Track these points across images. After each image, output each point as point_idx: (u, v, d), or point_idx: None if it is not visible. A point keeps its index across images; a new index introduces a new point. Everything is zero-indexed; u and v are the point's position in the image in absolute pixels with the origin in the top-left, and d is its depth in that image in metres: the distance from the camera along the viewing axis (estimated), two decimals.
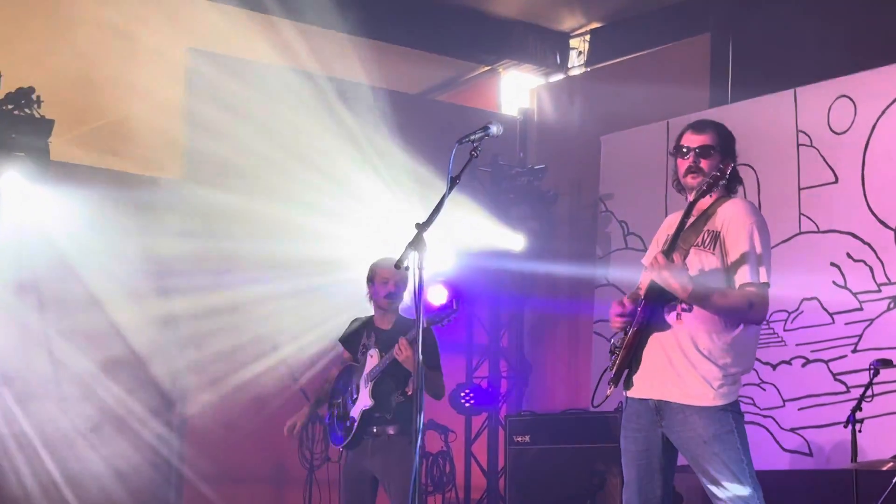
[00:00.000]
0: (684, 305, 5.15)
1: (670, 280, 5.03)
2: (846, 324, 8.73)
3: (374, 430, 7.18)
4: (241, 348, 9.60)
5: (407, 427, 6.98)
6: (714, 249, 5.19)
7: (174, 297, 9.50)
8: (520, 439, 9.28)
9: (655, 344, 5.23)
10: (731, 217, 5.21)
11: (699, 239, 5.20)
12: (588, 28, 11.26)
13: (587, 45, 11.30)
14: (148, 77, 9.37)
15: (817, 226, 8.97)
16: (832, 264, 8.80)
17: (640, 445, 5.31)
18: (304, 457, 9.59)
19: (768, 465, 8.76)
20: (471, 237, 10.02)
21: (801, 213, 9.06)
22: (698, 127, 5.42)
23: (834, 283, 8.76)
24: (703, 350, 5.16)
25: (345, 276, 9.20)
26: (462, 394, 10.35)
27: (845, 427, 7.61)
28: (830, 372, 8.75)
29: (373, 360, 7.26)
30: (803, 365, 8.91)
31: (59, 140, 8.52)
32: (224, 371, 9.60)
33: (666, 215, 5.73)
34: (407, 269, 4.84)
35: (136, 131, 9.29)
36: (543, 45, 11.34)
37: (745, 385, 9.02)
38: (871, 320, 8.59)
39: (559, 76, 11.53)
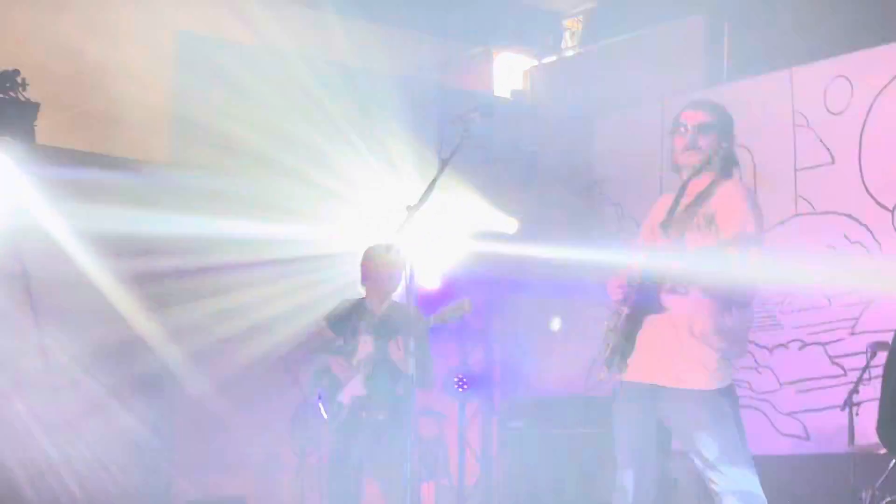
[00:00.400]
0: (679, 288, 5.11)
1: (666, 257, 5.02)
2: (843, 306, 8.69)
3: (364, 416, 7.11)
4: (232, 333, 9.54)
5: (397, 414, 6.92)
6: (709, 231, 5.15)
7: (163, 282, 9.43)
8: (514, 425, 9.23)
9: (650, 327, 5.22)
10: (726, 200, 5.20)
11: (695, 220, 5.17)
12: (581, 8, 11.17)
13: (581, 25, 11.21)
14: (136, 60, 9.28)
15: (814, 207, 8.92)
16: (829, 246, 8.74)
17: (634, 429, 5.30)
18: (296, 444, 9.53)
19: (765, 450, 8.70)
20: (463, 220, 9.96)
21: (797, 195, 9.00)
22: (697, 105, 5.44)
23: (831, 265, 8.69)
24: (697, 333, 5.14)
25: (338, 260, 9.15)
26: (455, 379, 10.29)
27: (842, 410, 7.58)
28: (827, 355, 8.70)
29: (366, 346, 7.18)
30: (800, 348, 8.86)
31: (45, 123, 8.42)
32: (215, 356, 9.53)
33: (660, 196, 5.67)
34: (398, 251, 4.77)
35: (124, 114, 9.21)
36: (536, 26, 11.25)
37: (741, 369, 9.05)
38: (869, 302, 8.54)
39: (552, 57, 11.43)
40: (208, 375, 9.51)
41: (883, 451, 6.90)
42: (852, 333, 8.59)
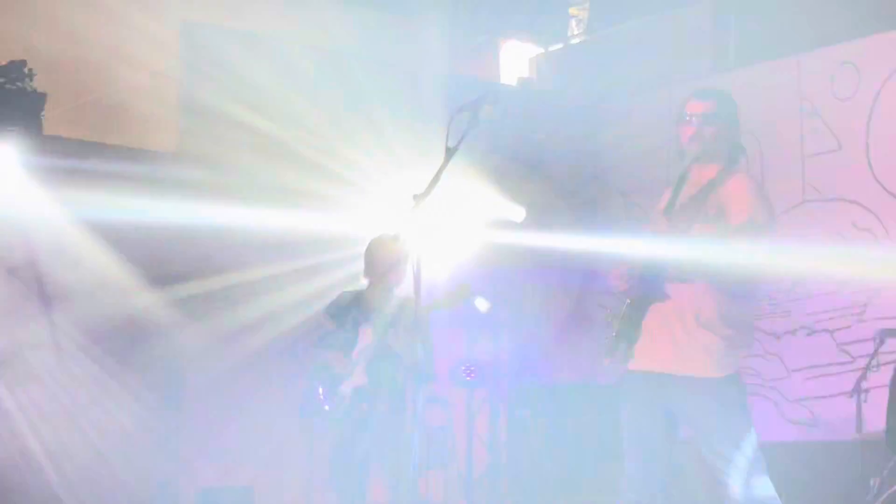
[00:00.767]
0: (685, 275, 5.10)
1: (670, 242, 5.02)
2: (851, 293, 8.67)
3: (366, 407, 7.11)
4: (240, 322, 9.54)
5: (398, 402, 6.92)
6: (719, 221, 5.14)
7: (172, 272, 9.44)
8: (522, 413, 9.23)
9: (656, 315, 5.21)
10: (736, 192, 5.19)
11: (705, 210, 5.16)
12: None
13: (587, 12, 11.18)
14: (143, 50, 9.27)
15: (821, 194, 8.90)
16: (837, 233, 8.72)
17: (640, 418, 5.29)
18: (304, 434, 9.53)
19: (773, 436, 8.70)
20: (470, 209, 9.95)
21: (805, 182, 8.98)
22: (702, 94, 5.42)
23: (839, 252, 8.67)
24: (704, 321, 5.13)
25: (346, 248, 9.14)
26: (463, 368, 10.29)
27: (850, 397, 7.57)
28: (835, 342, 8.69)
29: (366, 336, 7.18)
30: (808, 335, 8.85)
31: (52, 114, 8.42)
32: (223, 346, 9.54)
33: (667, 185, 5.66)
34: (402, 243, 4.76)
35: (131, 104, 9.20)
36: (543, 14, 11.22)
37: (748, 356, 9.02)
38: (877, 290, 8.52)
39: (559, 45, 11.41)
40: (216, 365, 9.52)
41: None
42: (860, 320, 8.58)
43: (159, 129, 9.53)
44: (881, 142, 8.63)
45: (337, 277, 9.15)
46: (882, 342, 7.41)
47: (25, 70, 8.26)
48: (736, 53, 9.78)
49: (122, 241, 8.97)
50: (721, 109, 5.37)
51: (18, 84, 8.21)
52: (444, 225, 9.54)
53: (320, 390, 7.35)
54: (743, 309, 5.22)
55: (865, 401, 7.44)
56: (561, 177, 10.84)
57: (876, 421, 7.70)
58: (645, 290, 5.18)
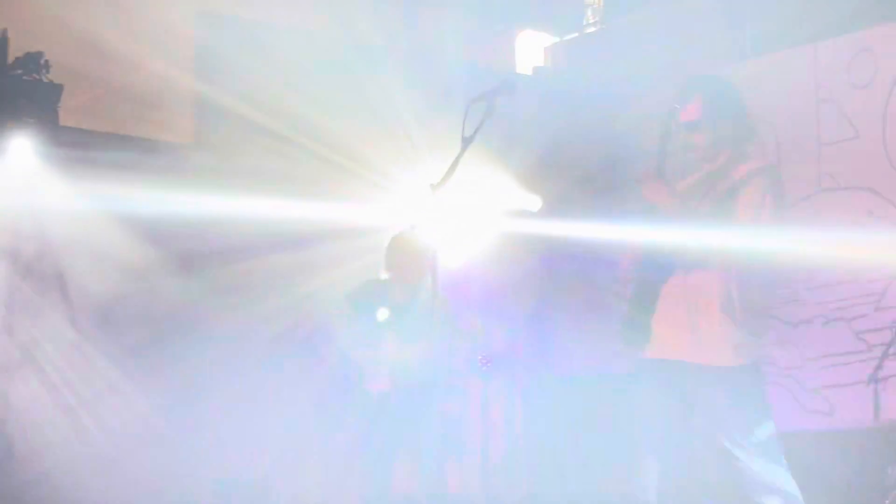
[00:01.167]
0: (701, 261, 5.08)
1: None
2: (868, 281, 8.65)
3: (391, 408, 7.15)
4: (256, 313, 9.56)
5: (424, 405, 6.94)
6: (730, 206, 5.12)
7: (188, 263, 9.46)
8: (538, 402, 9.24)
9: (670, 302, 5.18)
10: (746, 176, 5.13)
11: (716, 194, 5.14)
12: None
13: (602, 1, 11.16)
14: (158, 40, 9.28)
15: (838, 182, 8.87)
16: (853, 221, 8.70)
17: (657, 406, 5.26)
18: (321, 422, 9.55)
19: (789, 426, 8.69)
20: (486, 198, 9.94)
21: (821, 170, 8.96)
22: (682, 98, 5.34)
23: (856, 240, 8.65)
24: (720, 308, 5.08)
25: (362, 240, 9.15)
26: (479, 357, 10.28)
27: (867, 386, 7.55)
28: (852, 330, 8.67)
29: (391, 343, 7.21)
30: (824, 324, 8.83)
31: (68, 105, 8.44)
32: (238, 336, 9.56)
33: (682, 176, 5.66)
34: (423, 236, 4.76)
35: (146, 95, 9.22)
36: (558, 3, 11.21)
37: (764, 345, 9.03)
38: (893, 278, 8.50)
39: (574, 34, 11.39)
40: (232, 356, 9.54)
41: None
42: (877, 309, 8.55)
43: (175, 121, 9.55)
44: None
45: (354, 268, 9.16)
46: None
47: (42, 61, 8.27)
48: (751, 41, 9.75)
49: (139, 233, 9.00)
50: (705, 111, 5.26)
51: (35, 76, 8.23)
52: (460, 214, 9.54)
53: (347, 388, 7.40)
54: (759, 296, 5.18)
55: (883, 389, 7.42)
56: (576, 165, 10.82)
57: (893, 409, 7.70)
58: (657, 274, 5.16)
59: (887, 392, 7.44)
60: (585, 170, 10.92)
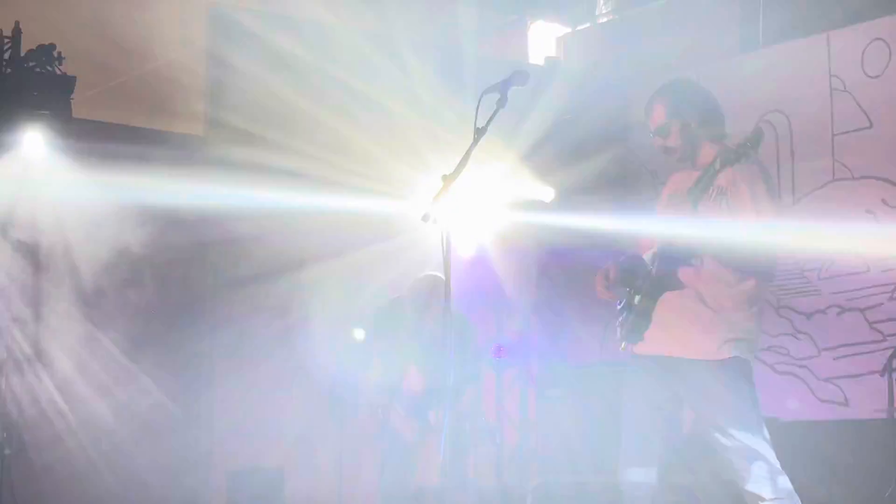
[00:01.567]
0: (693, 260, 5.09)
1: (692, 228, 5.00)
2: (882, 271, 8.62)
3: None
4: (271, 304, 9.57)
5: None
6: (722, 204, 5.13)
7: (203, 254, 9.48)
8: (552, 393, 9.23)
9: (666, 302, 5.19)
10: (737, 175, 5.12)
11: (708, 194, 5.13)
12: None
13: None
14: (171, 32, 9.28)
15: (852, 172, 8.85)
16: (867, 211, 8.67)
17: (645, 402, 5.27)
18: (334, 414, 9.57)
19: (804, 415, 8.69)
20: (500, 189, 9.93)
21: (834, 160, 8.93)
22: (647, 108, 5.37)
23: (869, 230, 8.62)
24: (713, 304, 5.12)
25: (375, 231, 9.15)
26: (493, 348, 10.29)
27: (882, 376, 7.54)
28: (866, 320, 8.64)
29: (415, 382, 7.25)
30: (839, 314, 8.81)
31: (81, 97, 8.45)
32: (255, 327, 9.57)
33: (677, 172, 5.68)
34: (434, 221, 4.74)
35: (159, 87, 9.22)
36: None
37: (779, 335, 9.02)
38: None
39: (586, 24, 11.37)
40: (248, 347, 9.56)
41: None
42: (891, 298, 8.53)
43: (187, 113, 9.55)
44: None
45: (367, 258, 9.17)
46: None
47: (55, 54, 8.28)
48: (764, 31, 9.71)
49: (151, 223, 9.01)
50: (669, 109, 5.29)
51: (48, 68, 8.24)
52: (474, 204, 9.53)
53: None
54: (754, 291, 5.19)
55: None
56: (589, 156, 10.80)
57: None
58: (660, 274, 5.17)
59: None
60: (598, 160, 10.90)
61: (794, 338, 8.96)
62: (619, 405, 5.38)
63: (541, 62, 11.42)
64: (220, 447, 9.68)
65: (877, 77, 8.75)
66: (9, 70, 8.34)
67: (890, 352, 7.48)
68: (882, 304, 8.58)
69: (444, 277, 7.21)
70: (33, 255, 8.79)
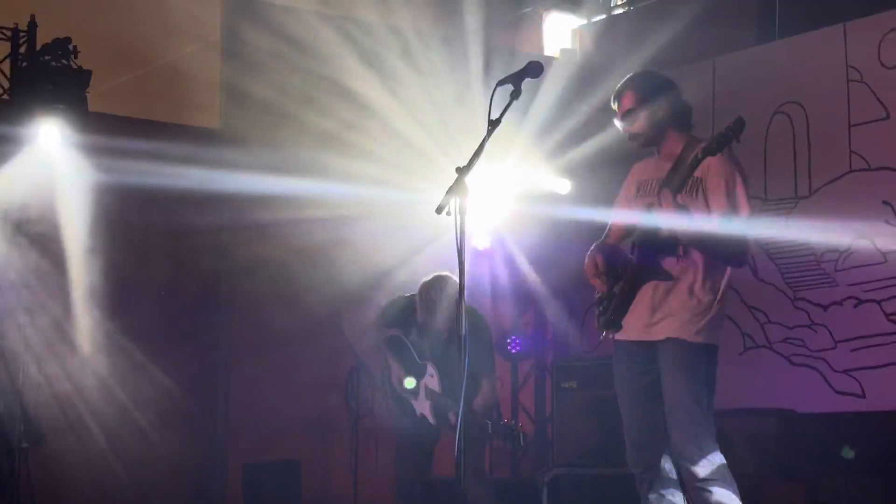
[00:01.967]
0: (679, 250, 5.14)
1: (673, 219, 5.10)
2: None
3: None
4: (286, 295, 9.58)
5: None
6: (697, 195, 5.21)
7: (215, 245, 9.50)
8: (567, 385, 9.22)
9: (647, 288, 5.29)
10: (712, 166, 5.19)
11: (687, 185, 5.17)
12: None
13: None
14: (186, 26, 9.29)
15: (868, 163, 8.81)
16: (884, 202, 8.64)
17: (631, 387, 5.38)
18: (350, 406, 9.58)
19: (821, 408, 8.67)
20: (514, 181, 9.91)
21: (851, 151, 8.90)
22: (616, 95, 5.51)
23: (886, 221, 8.60)
24: (691, 292, 5.22)
25: (389, 223, 9.14)
26: (508, 340, 10.28)
27: None
28: (883, 312, 8.61)
29: (432, 379, 7.25)
30: (855, 305, 8.78)
31: (96, 91, 8.46)
32: (269, 318, 9.58)
33: (637, 163, 5.70)
34: (448, 214, 4.74)
35: (175, 81, 9.23)
36: None
37: (795, 327, 9.00)
38: None
39: (601, 16, 11.33)
40: (264, 337, 9.57)
41: None
42: None
43: (203, 106, 9.56)
44: None
45: (382, 248, 9.17)
46: None
47: (70, 47, 8.29)
48: (780, 22, 9.67)
49: (167, 214, 9.03)
50: (637, 99, 5.41)
51: (63, 61, 8.25)
52: (489, 197, 9.52)
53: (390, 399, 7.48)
54: (726, 279, 5.29)
55: None
56: (605, 148, 10.77)
57: None
58: (639, 264, 5.24)
59: None
60: (614, 152, 10.87)
61: (810, 329, 8.94)
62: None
63: (556, 54, 11.39)
64: (235, 438, 9.70)
65: (893, 67, 8.71)
66: (24, 64, 8.35)
67: None
68: None
69: (452, 277, 7.26)
70: (48, 248, 8.81)
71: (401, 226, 9.06)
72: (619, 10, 11.24)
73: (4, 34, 8.38)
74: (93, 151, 8.47)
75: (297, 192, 9.07)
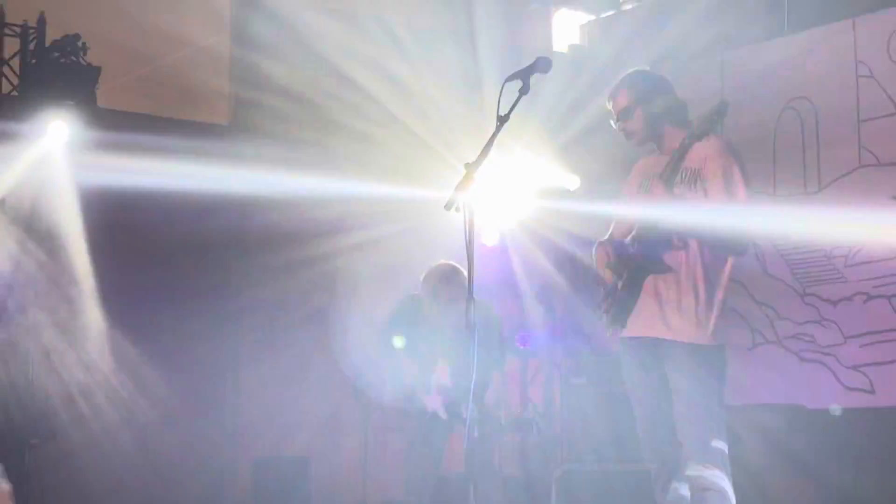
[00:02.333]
0: (678, 243, 5.11)
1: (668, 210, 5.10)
2: None
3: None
4: (295, 291, 9.59)
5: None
6: (695, 185, 5.21)
7: (227, 241, 9.50)
8: (577, 381, 9.21)
9: (650, 282, 5.27)
10: (708, 155, 5.21)
11: (678, 177, 5.18)
12: None
13: None
14: (195, 22, 9.30)
15: (878, 158, 8.79)
16: (893, 198, 8.62)
17: (639, 384, 5.36)
18: (359, 402, 9.59)
19: (830, 404, 8.65)
20: (524, 177, 9.91)
21: (860, 146, 8.88)
22: (610, 95, 5.54)
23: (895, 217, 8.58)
24: (695, 286, 5.19)
25: (399, 220, 9.15)
26: (517, 337, 10.28)
27: None
28: (892, 308, 8.60)
29: (443, 373, 7.25)
30: (865, 301, 8.76)
31: (106, 87, 8.47)
32: (279, 313, 9.60)
33: (640, 160, 5.70)
34: (457, 210, 4.74)
35: (184, 77, 9.24)
36: None
37: (805, 323, 8.98)
38: None
39: (610, 11, 11.32)
40: (273, 333, 9.58)
41: None
42: None
43: (212, 101, 9.57)
44: None
45: (392, 245, 9.18)
46: None
47: (79, 44, 8.31)
48: (790, 17, 9.65)
49: (176, 210, 9.03)
50: (632, 96, 5.44)
51: (73, 58, 8.27)
52: (498, 192, 9.52)
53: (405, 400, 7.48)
54: (728, 272, 5.28)
55: None
56: (614, 144, 10.75)
57: None
58: (640, 258, 5.23)
59: None
60: (622, 148, 10.85)
61: (819, 325, 8.93)
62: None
63: (564, 49, 11.38)
64: (244, 434, 9.72)
65: None
66: (34, 60, 8.37)
67: None
68: None
69: (456, 266, 7.27)
70: (58, 246, 8.82)
71: (412, 223, 9.07)
72: (628, 6, 11.22)
73: (14, 31, 8.40)
74: (102, 147, 8.47)
75: (306, 190, 9.09)
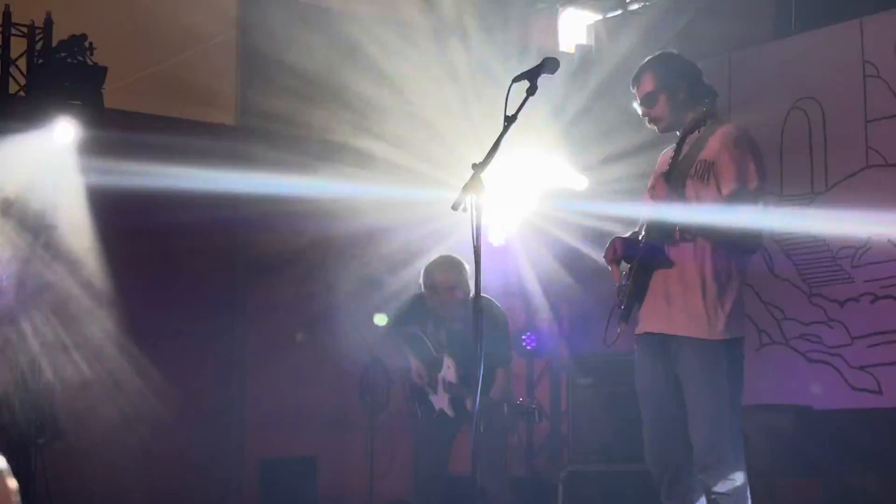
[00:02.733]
0: (685, 235, 5.08)
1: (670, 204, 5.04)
2: None
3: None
4: (302, 292, 9.58)
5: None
6: (708, 179, 5.13)
7: (233, 241, 9.50)
8: (583, 382, 9.21)
9: (658, 278, 5.20)
10: (722, 145, 5.14)
11: (692, 169, 5.13)
12: None
13: None
14: (202, 21, 9.30)
15: (885, 159, 8.79)
16: None
17: (652, 382, 5.27)
18: (366, 402, 9.59)
19: (837, 404, 8.65)
20: (531, 177, 9.90)
21: (868, 146, 8.87)
22: (635, 79, 5.41)
23: None
24: (703, 281, 5.11)
25: (407, 218, 9.15)
26: (523, 337, 10.27)
27: None
28: None
29: (449, 371, 7.24)
30: (872, 302, 8.76)
31: (112, 87, 8.47)
32: (285, 315, 9.60)
33: (664, 151, 5.66)
34: (464, 210, 4.72)
35: (191, 77, 9.23)
36: None
37: (811, 323, 8.98)
38: None
39: (617, 11, 11.31)
40: (280, 334, 9.57)
41: None
42: None
43: (219, 102, 9.57)
44: None
45: (399, 245, 9.18)
46: None
47: (86, 44, 8.30)
48: (797, 17, 9.65)
49: (182, 211, 9.03)
50: (657, 82, 5.32)
51: (79, 58, 8.26)
52: (505, 193, 9.51)
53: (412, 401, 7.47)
54: (739, 269, 5.18)
55: None
56: (622, 144, 10.75)
57: None
58: (647, 257, 5.17)
59: None
60: (630, 148, 10.85)
61: (826, 326, 8.92)
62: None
63: (571, 49, 11.37)
64: (251, 435, 9.72)
65: None
66: (40, 61, 8.36)
67: None
68: None
69: (453, 256, 7.25)
70: (65, 246, 8.82)
71: (419, 222, 9.07)
72: (635, 6, 11.21)
73: (21, 31, 8.39)
74: (108, 148, 8.47)
75: (312, 190, 9.08)
